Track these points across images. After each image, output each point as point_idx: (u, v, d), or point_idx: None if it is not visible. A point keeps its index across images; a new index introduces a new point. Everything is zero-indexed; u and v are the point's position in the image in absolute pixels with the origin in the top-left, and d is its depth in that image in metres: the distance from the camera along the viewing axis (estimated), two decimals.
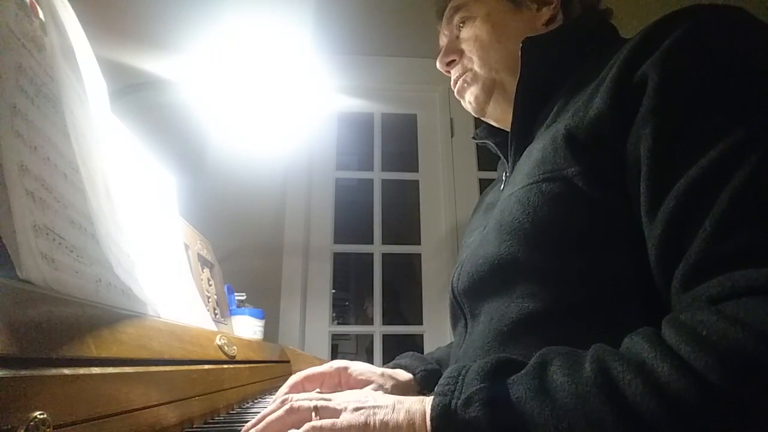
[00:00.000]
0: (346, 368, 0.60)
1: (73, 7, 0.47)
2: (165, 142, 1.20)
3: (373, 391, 0.53)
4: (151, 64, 1.61)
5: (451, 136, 1.81)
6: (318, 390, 0.57)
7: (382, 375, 0.61)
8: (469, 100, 0.72)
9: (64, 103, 0.42)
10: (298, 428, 0.39)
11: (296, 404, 0.42)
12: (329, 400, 0.43)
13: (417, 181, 1.82)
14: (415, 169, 1.83)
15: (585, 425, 0.32)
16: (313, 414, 0.42)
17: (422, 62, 1.77)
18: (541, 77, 0.60)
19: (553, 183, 0.48)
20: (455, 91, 0.74)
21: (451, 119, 1.82)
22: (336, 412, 0.42)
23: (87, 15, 0.50)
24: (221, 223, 1.56)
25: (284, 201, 1.68)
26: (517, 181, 0.53)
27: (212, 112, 1.69)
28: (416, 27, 1.86)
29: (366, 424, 0.39)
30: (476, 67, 0.69)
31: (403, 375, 0.65)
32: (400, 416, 0.40)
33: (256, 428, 0.42)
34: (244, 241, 1.60)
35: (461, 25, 0.72)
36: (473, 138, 0.78)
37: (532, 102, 0.60)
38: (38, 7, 0.43)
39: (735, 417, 0.29)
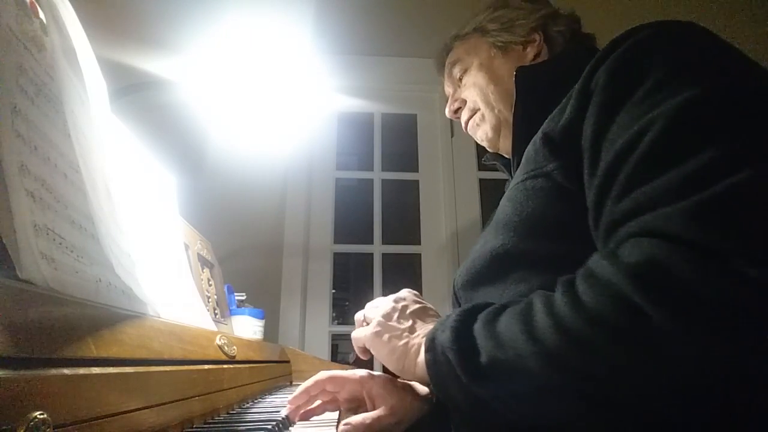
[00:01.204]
0: (370, 377, 0.60)
1: (73, 7, 0.47)
2: (165, 142, 1.19)
3: (406, 305, 0.59)
4: (151, 64, 1.61)
5: (451, 136, 1.81)
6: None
7: (403, 388, 0.61)
8: (481, 138, 0.83)
9: (64, 103, 0.42)
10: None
11: (357, 316, 0.63)
12: (376, 308, 0.59)
13: (417, 181, 1.81)
14: (415, 169, 1.83)
15: (507, 340, 0.41)
16: (364, 321, 0.61)
17: (422, 62, 1.77)
18: (535, 99, 0.65)
19: (535, 180, 0.54)
20: (468, 131, 0.85)
21: (451, 119, 1.82)
22: (370, 321, 0.58)
23: (87, 15, 0.50)
24: (221, 223, 1.56)
25: (284, 201, 1.68)
26: (511, 186, 0.60)
27: (212, 112, 1.69)
28: (416, 27, 1.86)
29: (377, 335, 0.54)
30: (482, 109, 0.80)
31: (421, 388, 0.65)
32: (402, 341, 0.53)
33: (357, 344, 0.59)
34: (244, 241, 1.60)
35: (461, 76, 0.84)
36: (483, 161, 0.90)
37: (529, 122, 0.65)
38: (38, 7, 0.43)
39: (601, 333, 0.36)
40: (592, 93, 0.49)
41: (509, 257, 0.54)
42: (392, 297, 0.60)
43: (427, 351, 0.47)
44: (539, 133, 0.55)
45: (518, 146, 0.67)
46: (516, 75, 0.68)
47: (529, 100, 0.66)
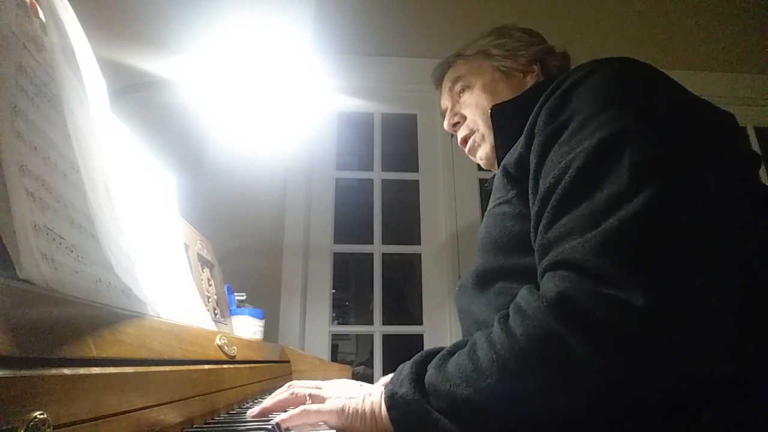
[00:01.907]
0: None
1: (73, 7, 0.47)
2: (165, 142, 1.19)
3: (358, 385, 0.62)
4: (151, 64, 1.61)
5: (451, 136, 1.80)
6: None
7: None
8: (480, 157, 0.87)
9: (64, 103, 0.42)
10: (295, 407, 0.56)
11: (297, 390, 0.59)
12: (320, 388, 0.59)
13: (417, 181, 1.81)
14: (415, 169, 1.83)
15: (459, 379, 0.47)
16: (308, 399, 0.58)
17: (422, 62, 1.76)
18: (509, 133, 0.69)
19: (501, 206, 0.62)
20: (466, 150, 0.89)
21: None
22: (323, 400, 0.57)
23: (87, 15, 0.50)
24: (221, 223, 1.56)
25: (284, 201, 1.68)
26: None
27: (212, 112, 1.68)
28: (416, 27, 1.86)
29: (342, 409, 0.55)
30: (481, 130, 0.83)
31: None
32: (366, 406, 0.55)
33: (266, 402, 0.58)
34: (244, 241, 1.60)
35: (461, 92, 0.87)
36: (485, 186, 0.94)
37: (507, 152, 0.70)
38: (38, 7, 0.43)
39: (533, 356, 0.43)
40: (535, 131, 0.55)
41: (488, 273, 0.62)
42: (337, 381, 0.64)
43: (390, 408, 0.52)
44: (501, 166, 0.63)
45: None
46: (491, 113, 0.74)
47: (505, 132, 0.71)
